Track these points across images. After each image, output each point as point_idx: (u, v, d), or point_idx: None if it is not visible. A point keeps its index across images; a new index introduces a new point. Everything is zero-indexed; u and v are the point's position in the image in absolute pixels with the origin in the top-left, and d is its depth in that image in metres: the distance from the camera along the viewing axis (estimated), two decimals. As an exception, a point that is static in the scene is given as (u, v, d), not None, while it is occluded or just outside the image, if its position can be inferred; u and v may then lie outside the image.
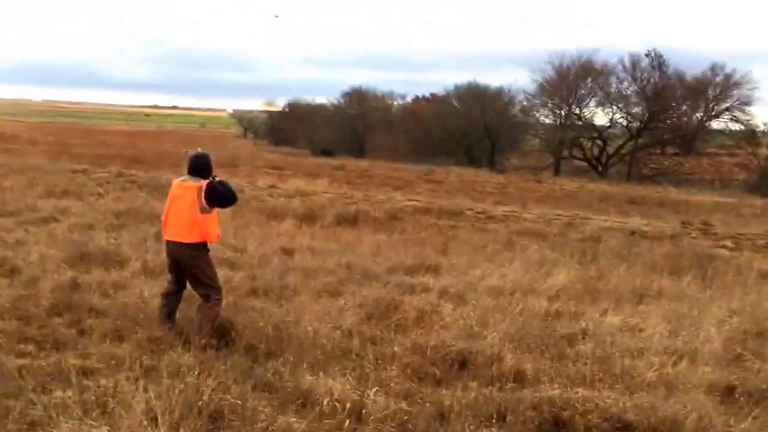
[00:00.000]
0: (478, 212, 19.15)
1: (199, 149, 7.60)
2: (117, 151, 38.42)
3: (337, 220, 15.33)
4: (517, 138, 59.84)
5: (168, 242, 7.04)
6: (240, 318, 7.12)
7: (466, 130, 57.84)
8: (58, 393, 5.36)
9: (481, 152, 58.04)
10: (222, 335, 6.78)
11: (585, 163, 56.32)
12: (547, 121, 58.62)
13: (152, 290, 7.92)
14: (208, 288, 6.94)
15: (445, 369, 6.31)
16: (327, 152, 59.86)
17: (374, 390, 5.45)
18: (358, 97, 72.05)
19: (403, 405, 5.30)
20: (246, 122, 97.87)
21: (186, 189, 6.90)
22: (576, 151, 57.00)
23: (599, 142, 56.29)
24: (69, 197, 17.00)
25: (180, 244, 6.88)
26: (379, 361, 6.29)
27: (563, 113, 56.30)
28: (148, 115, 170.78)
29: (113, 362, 6.10)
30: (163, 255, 7.48)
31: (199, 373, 5.40)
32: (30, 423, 4.84)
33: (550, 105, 57.33)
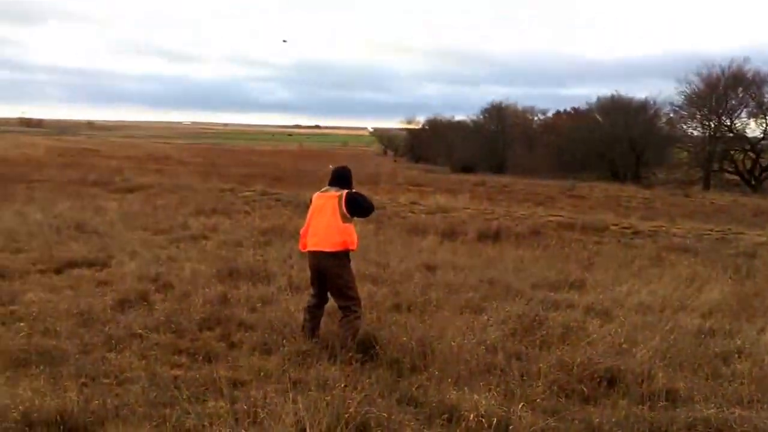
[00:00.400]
0: (624, 227, 18.37)
1: (331, 166, 7.80)
2: (261, 170, 39.88)
3: (479, 235, 15.11)
4: (663, 151, 57.15)
5: (311, 253, 7.13)
6: (383, 332, 7.09)
7: (610, 144, 55.92)
8: (211, 403, 5.53)
9: (626, 167, 55.96)
10: (366, 349, 6.78)
11: (736, 177, 53.06)
12: (696, 133, 55.70)
13: (297, 305, 8.05)
14: (349, 300, 7.04)
15: (592, 386, 6.04)
16: (467, 169, 59.64)
17: (520, 406, 5.27)
18: (498, 113, 71.42)
19: (551, 421, 5.09)
20: (386, 140, 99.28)
21: (327, 198, 7.09)
22: (727, 164, 53.87)
23: (752, 154, 52.88)
24: (217, 215, 17.71)
25: (323, 253, 6.99)
26: (525, 378, 6.08)
27: (713, 125, 53.33)
28: (290, 135, 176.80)
29: (262, 374, 6.22)
30: (307, 271, 7.62)
31: (345, 386, 5.40)
32: (185, 430, 4.98)
33: (698, 116, 54.46)
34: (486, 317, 8.01)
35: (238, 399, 5.58)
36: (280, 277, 9.92)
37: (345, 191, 7.07)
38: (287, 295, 8.90)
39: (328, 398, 5.26)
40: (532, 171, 54.40)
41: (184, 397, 5.63)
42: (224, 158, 55.28)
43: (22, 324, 7.24)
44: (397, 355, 6.59)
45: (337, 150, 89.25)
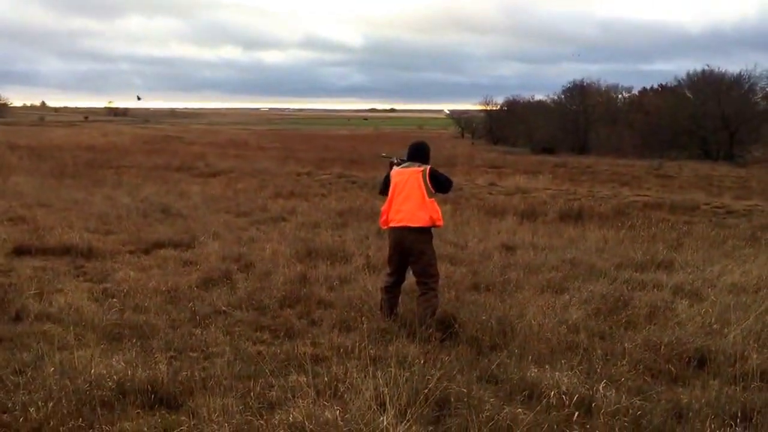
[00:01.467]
0: (716, 207, 17.75)
1: (383, 155, 7.94)
2: (338, 154, 40.22)
3: (560, 215, 14.87)
4: (759, 128, 54.51)
5: (395, 229, 7.01)
6: (462, 312, 7.08)
7: (701, 122, 53.74)
8: (293, 377, 5.63)
9: (718, 145, 53.66)
10: (445, 328, 6.77)
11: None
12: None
13: (375, 284, 8.12)
14: (430, 277, 6.98)
15: (681, 367, 5.86)
16: (548, 150, 58.54)
17: (603, 384, 5.17)
18: (580, 92, 69.63)
19: (636, 401, 4.97)
20: (463, 122, 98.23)
21: (410, 174, 6.98)
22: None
23: None
24: (295, 198, 18.08)
25: (409, 228, 6.90)
26: (608, 357, 5.97)
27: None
28: (366, 119, 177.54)
29: (342, 351, 6.30)
30: (385, 250, 7.58)
31: (424, 363, 5.43)
32: (269, 402, 5.09)
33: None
34: (568, 297, 7.88)
35: (319, 374, 5.66)
36: (358, 257, 10.01)
37: (427, 166, 7.01)
38: (365, 274, 8.98)
39: (408, 374, 5.30)
40: (617, 151, 53.04)
41: (268, 371, 5.76)
42: (301, 143, 55.93)
43: (114, 300, 7.56)
44: (477, 333, 6.55)
45: (413, 133, 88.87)
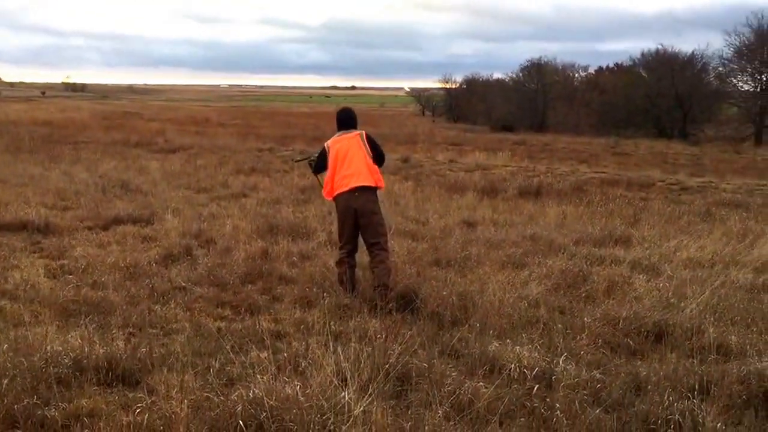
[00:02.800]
0: (671, 183, 18.03)
1: (297, 159, 7.91)
2: (299, 131, 39.86)
3: (519, 192, 14.96)
4: (711, 107, 55.54)
5: (343, 194, 7.10)
6: (424, 287, 7.08)
7: (655, 100, 54.55)
8: (254, 353, 5.59)
9: (672, 123, 54.58)
10: (406, 303, 6.80)
11: (791, 133, 51.26)
12: (747, 87, 53.88)
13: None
14: (381, 236, 7.15)
15: (639, 341, 5.95)
16: (506, 128, 58.87)
17: (563, 357, 5.24)
18: (537, 70, 70.05)
19: (596, 374, 5.04)
20: (423, 100, 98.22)
21: (349, 139, 7.24)
22: (780, 119, 52.01)
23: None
24: (257, 174, 17.90)
25: (362, 188, 7.04)
26: (568, 331, 6.03)
27: (765, 78, 51.58)
28: (328, 96, 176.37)
29: (303, 327, 6.28)
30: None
31: (386, 337, 5.41)
32: (229, 378, 5.06)
33: (749, 70, 52.66)
34: (528, 272, 7.95)
35: (280, 350, 5.64)
36: (320, 232, 9.99)
37: (362, 131, 7.33)
38: (327, 250, 8.99)
39: (369, 349, 5.31)
40: (574, 129, 53.55)
41: (228, 347, 5.72)
42: (262, 120, 55.33)
43: (71, 277, 7.43)
44: (438, 308, 6.58)
45: (375, 111, 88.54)
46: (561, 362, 5.14)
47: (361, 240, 7.30)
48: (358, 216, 7.09)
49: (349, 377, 4.66)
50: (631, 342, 5.87)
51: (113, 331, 5.91)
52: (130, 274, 7.79)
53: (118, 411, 4.45)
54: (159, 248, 8.92)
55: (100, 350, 5.12)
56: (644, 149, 34.91)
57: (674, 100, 53.74)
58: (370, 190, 7.10)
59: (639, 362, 5.47)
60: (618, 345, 5.85)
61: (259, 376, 4.87)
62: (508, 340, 5.59)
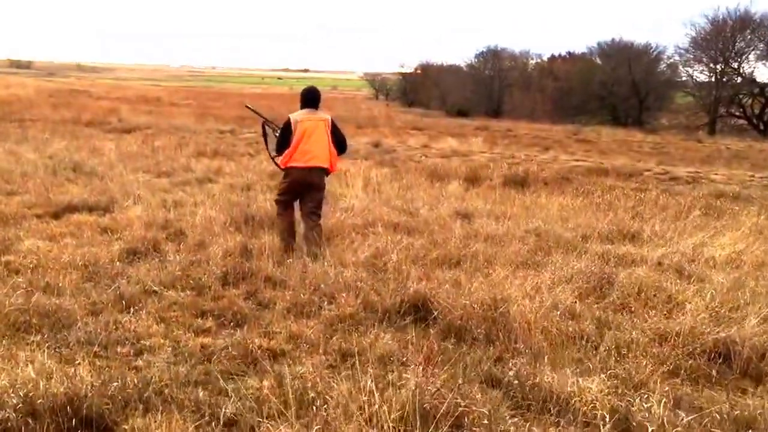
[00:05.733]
0: (659, 173, 17.35)
1: (248, 105, 9.46)
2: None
3: (504, 180, 14.02)
4: (665, 96, 55.85)
5: (302, 168, 7.60)
6: (437, 294, 6.08)
7: (611, 89, 54.57)
8: (251, 381, 4.58)
9: (627, 111, 54.71)
10: (420, 312, 5.86)
11: (743, 122, 51.75)
12: (702, 77, 54.11)
13: (330, 257, 7.14)
14: (320, 207, 7.89)
15: (705, 364, 5.04)
16: (462, 113, 58.24)
17: (636, 392, 4.31)
18: (493, 57, 69.65)
19: (681, 414, 4.10)
20: (377, 84, 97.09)
21: (317, 121, 7.68)
22: (734, 108, 52.50)
23: (761, 98, 51.41)
24: (220, 157, 16.66)
25: (318, 168, 7.65)
26: (624, 352, 5.11)
27: (719, 68, 51.80)
28: (280, 78, 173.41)
29: (303, 343, 5.30)
30: (328, 221, 8.23)
31: (423, 369, 4.40)
32: (227, 420, 4.01)
33: (704, 60, 52.85)
34: (548, 275, 6.98)
35: (281, 375, 4.62)
36: (301, 225, 8.89)
37: (330, 117, 7.83)
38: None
39: (393, 375, 4.43)
40: (530, 115, 53.19)
41: (217, 372, 4.68)
42: (215, 100, 53.44)
43: (19, 279, 6.18)
44: (460, 322, 5.61)
45: (328, 93, 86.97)
46: (634, 397, 4.22)
47: None
48: (310, 189, 7.69)
49: (375, 419, 3.68)
50: (712, 371, 4.92)
51: (73, 352, 4.80)
52: (90, 274, 6.63)
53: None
54: (121, 242, 7.72)
55: (59, 386, 3.97)
56: (606, 136, 34.46)
57: (631, 88, 53.75)
58: (324, 171, 7.73)
59: (724, 395, 4.56)
60: (688, 371, 4.94)
61: (266, 420, 3.87)
62: (567, 370, 4.60)
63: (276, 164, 8.23)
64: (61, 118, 25.06)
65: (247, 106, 9.59)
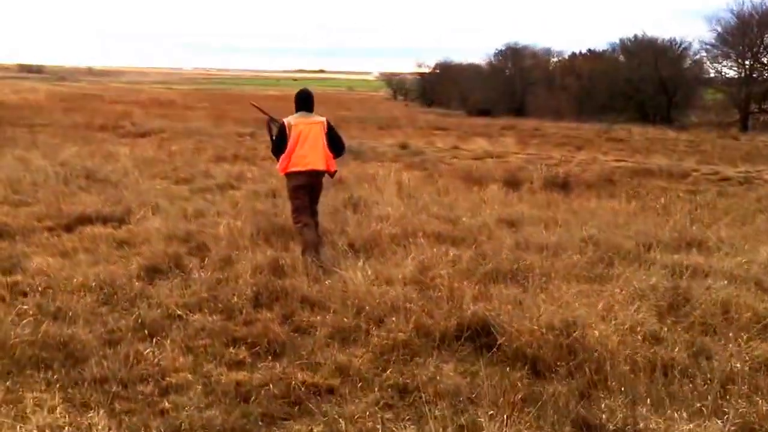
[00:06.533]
0: (708, 174, 16.41)
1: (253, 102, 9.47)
2: (276, 114, 37.79)
3: (544, 183, 13.19)
4: (693, 93, 54.60)
5: (303, 173, 7.49)
6: (500, 315, 5.35)
7: (638, 85, 53.46)
8: (297, 427, 3.89)
9: (655, 108, 53.56)
10: (480, 337, 5.15)
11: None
12: (731, 73, 52.76)
13: (371, 273, 6.38)
14: (317, 204, 7.88)
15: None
16: (483, 112, 57.41)
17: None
18: (513, 55, 68.75)
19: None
20: (395, 84, 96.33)
21: (313, 125, 7.60)
22: (767, 104, 51.00)
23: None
24: (241, 162, 15.94)
25: (318, 171, 7.59)
26: (728, 388, 4.35)
27: (748, 64, 50.54)
28: (296, 80, 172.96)
29: (352, 376, 4.61)
30: (362, 229, 8.06)
31: (473, 398, 3.69)
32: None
33: (732, 56, 51.60)
34: (618, 290, 6.19)
35: (331, 419, 3.93)
36: (337, 235, 8.19)
37: (325, 119, 7.70)
38: (351, 258, 7.14)
39: (465, 418, 3.86)
40: (554, 114, 52.22)
41: (257, 416, 4.01)
42: (231, 103, 52.85)
43: (26, 306, 5.49)
44: (530, 349, 4.88)
45: (344, 95, 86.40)
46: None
47: None
48: (312, 191, 7.66)
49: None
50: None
51: (88, 393, 4.13)
52: (106, 296, 5.99)
53: None
54: (140, 258, 7.03)
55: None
56: (638, 135, 33.39)
57: (658, 85, 52.64)
58: (323, 173, 7.68)
59: None
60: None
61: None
62: (674, 413, 3.85)
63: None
64: (72, 122, 24.47)
65: (252, 104, 9.53)
